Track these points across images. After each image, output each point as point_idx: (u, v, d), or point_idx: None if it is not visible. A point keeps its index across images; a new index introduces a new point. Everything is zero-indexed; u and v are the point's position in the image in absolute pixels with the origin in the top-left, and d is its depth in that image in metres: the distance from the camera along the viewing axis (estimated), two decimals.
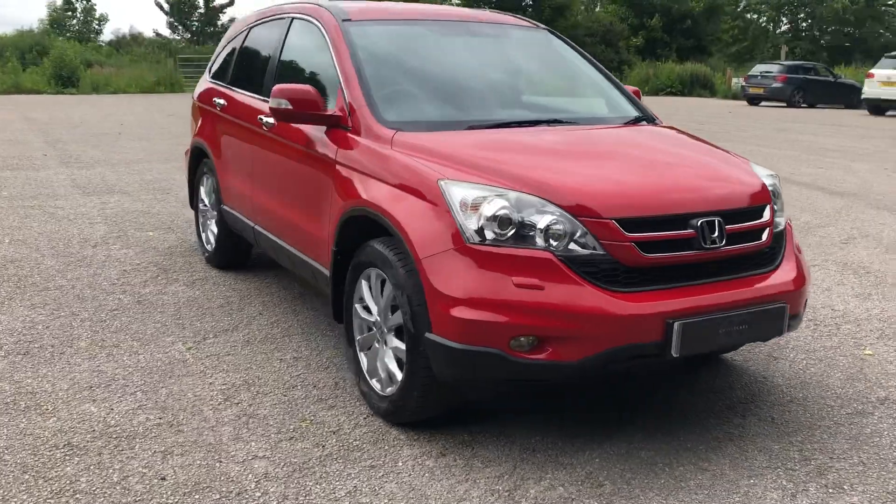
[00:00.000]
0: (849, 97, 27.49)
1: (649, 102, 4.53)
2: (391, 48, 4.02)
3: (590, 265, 2.80)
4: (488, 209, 2.84)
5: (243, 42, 5.26)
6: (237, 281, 5.26)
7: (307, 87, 3.67)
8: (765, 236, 3.17)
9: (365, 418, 3.35)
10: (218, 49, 5.83)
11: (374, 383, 3.38)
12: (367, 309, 3.42)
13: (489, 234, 2.84)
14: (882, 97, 22.89)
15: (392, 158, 3.25)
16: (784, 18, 58.74)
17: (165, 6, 45.61)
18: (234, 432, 3.20)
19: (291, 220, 4.04)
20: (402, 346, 3.13)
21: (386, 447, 3.11)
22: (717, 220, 2.97)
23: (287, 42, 4.51)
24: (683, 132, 3.91)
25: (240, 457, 3.01)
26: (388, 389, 3.27)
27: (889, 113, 23.73)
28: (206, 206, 5.65)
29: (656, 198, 2.96)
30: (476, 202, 2.88)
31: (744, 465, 3.03)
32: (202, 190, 5.66)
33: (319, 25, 4.13)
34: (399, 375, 3.17)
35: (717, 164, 3.42)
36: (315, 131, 3.83)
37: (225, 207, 5.12)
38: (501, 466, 2.97)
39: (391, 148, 3.32)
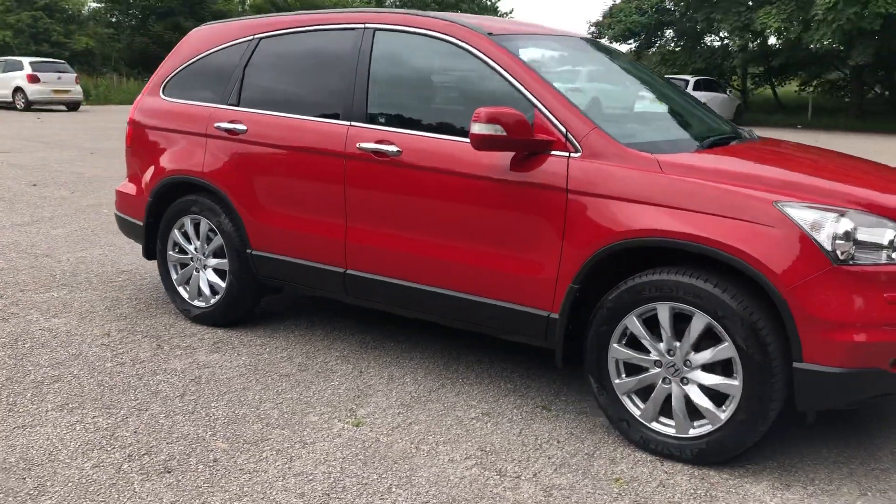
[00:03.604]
0: None
1: None
2: (552, 65, 3.72)
3: None
4: (838, 228, 2.83)
5: (250, 57, 4.42)
6: (266, 338, 4.44)
7: (514, 110, 3.28)
8: None
9: (662, 464, 3.12)
10: (175, 65, 4.80)
11: (660, 427, 3.16)
12: (635, 347, 3.18)
13: (840, 255, 2.84)
14: None
15: (684, 183, 3.05)
16: None
17: None
18: None
19: (464, 262, 3.55)
20: (724, 380, 2.98)
21: (733, 491, 2.94)
22: None
23: (375, 58, 3.92)
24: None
25: None
26: (694, 430, 3.08)
27: None
28: (184, 254, 4.65)
29: None
30: (822, 223, 2.85)
31: None
32: (177, 234, 4.65)
33: (455, 40, 3.68)
34: (721, 414, 3.01)
35: None
36: (497, 159, 3.42)
37: (259, 253, 4.28)
38: (849, 486, 2.99)
39: (663, 172, 3.12)
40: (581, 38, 4.39)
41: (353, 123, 3.89)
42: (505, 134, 3.23)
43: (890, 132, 25.56)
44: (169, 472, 2.97)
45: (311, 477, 2.96)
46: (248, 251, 4.33)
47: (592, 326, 3.25)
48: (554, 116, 3.35)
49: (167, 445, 3.18)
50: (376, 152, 3.76)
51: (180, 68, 4.76)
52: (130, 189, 4.90)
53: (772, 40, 29.54)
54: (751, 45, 29.61)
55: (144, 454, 3.10)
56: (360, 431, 3.34)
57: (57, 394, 3.64)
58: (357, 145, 3.83)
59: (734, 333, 2.91)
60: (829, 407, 3.01)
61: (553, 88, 3.42)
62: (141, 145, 4.83)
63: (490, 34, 3.67)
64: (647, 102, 4.00)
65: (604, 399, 3.28)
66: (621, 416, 3.24)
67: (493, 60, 3.56)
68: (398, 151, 3.70)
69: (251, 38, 4.46)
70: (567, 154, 3.30)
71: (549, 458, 3.15)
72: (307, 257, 4.11)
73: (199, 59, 4.68)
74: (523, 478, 2.99)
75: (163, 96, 4.79)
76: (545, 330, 3.39)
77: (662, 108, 3.99)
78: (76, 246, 6.54)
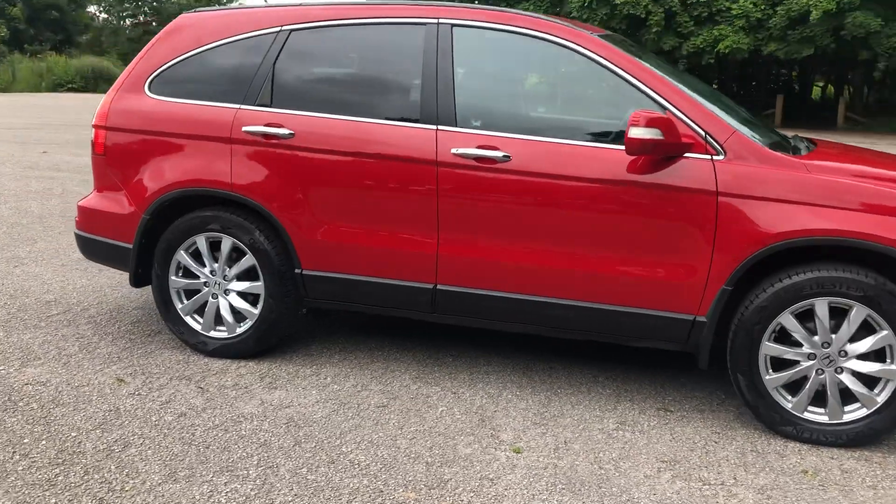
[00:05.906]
0: None
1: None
2: (653, 66, 3.69)
3: None
4: None
5: (280, 52, 3.89)
6: (312, 367, 3.98)
7: (663, 114, 3.25)
8: None
9: (821, 451, 3.28)
10: (165, 57, 4.07)
11: (812, 416, 3.32)
12: (783, 342, 3.30)
13: None
14: None
15: (838, 184, 3.20)
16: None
17: None
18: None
19: (594, 270, 3.43)
20: (883, 366, 3.20)
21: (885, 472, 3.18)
22: None
23: (458, 56, 3.63)
24: None
25: None
26: (847, 416, 3.28)
27: None
28: (193, 278, 4.01)
29: None
30: None
31: None
32: (185, 256, 4.00)
33: (559, 40, 3.52)
34: (877, 398, 3.23)
35: None
36: (625, 163, 3.37)
37: (313, 273, 3.82)
38: None
39: (811, 173, 3.25)
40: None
41: (440, 127, 3.60)
42: (663, 138, 3.18)
43: None
44: None
45: None
46: (298, 271, 3.84)
47: (742, 325, 3.31)
48: (689, 119, 3.36)
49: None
50: (479, 158, 3.52)
51: (174, 61, 4.07)
52: (108, 205, 4.12)
53: None
54: None
55: None
56: (529, 458, 3.13)
57: (147, 461, 3.00)
58: (452, 150, 3.55)
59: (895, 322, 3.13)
60: None
61: (682, 90, 3.42)
62: (123, 153, 4.07)
63: (592, 34, 3.58)
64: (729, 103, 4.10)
65: (753, 396, 3.37)
66: (773, 410, 3.35)
67: (610, 62, 3.47)
68: (506, 157, 3.49)
69: (277, 29, 3.93)
70: (709, 157, 3.32)
71: (727, 460, 3.18)
72: (382, 274, 3.74)
73: (201, 52, 4.03)
74: (727, 484, 2.99)
75: (150, 94, 4.07)
76: (688, 334, 3.41)
77: (731, 110, 4.13)
78: None
